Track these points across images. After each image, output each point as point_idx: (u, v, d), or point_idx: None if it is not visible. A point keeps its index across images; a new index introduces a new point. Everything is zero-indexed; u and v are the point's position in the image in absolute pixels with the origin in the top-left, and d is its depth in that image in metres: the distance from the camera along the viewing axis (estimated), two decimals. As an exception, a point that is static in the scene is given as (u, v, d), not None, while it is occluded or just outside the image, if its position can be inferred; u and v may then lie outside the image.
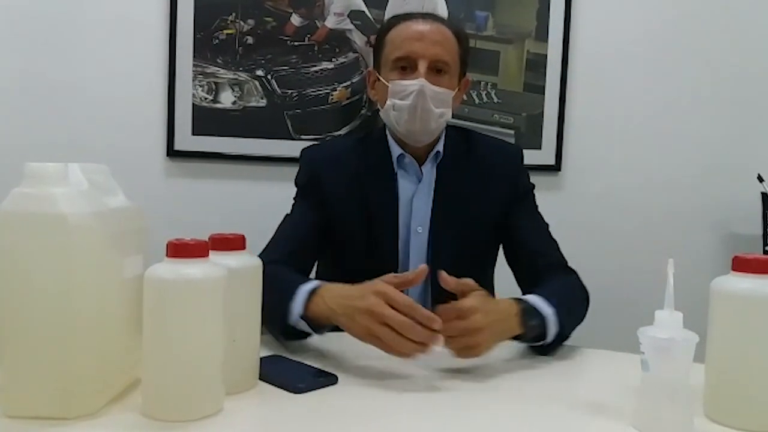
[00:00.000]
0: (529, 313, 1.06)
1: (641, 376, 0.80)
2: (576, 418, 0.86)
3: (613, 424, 0.82)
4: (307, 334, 1.09)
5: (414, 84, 1.25)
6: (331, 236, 1.33)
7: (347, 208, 1.32)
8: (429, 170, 1.35)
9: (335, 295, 1.02)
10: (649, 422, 0.79)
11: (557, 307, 1.08)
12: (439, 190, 1.33)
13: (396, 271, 1.26)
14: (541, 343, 1.09)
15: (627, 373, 0.90)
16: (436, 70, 1.27)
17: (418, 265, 1.27)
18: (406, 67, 1.28)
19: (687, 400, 0.78)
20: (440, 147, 1.35)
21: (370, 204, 1.31)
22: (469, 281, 1.03)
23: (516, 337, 1.06)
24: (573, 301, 1.19)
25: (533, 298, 1.09)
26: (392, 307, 0.93)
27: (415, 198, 1.33)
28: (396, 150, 1.34)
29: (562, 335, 1.09)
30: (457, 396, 0.93)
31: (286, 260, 1.21)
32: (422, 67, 1.25)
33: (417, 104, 1.25)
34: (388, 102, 1.28)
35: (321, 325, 1.05)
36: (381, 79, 1.32)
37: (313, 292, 1.05)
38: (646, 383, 0.79)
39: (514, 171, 1.39)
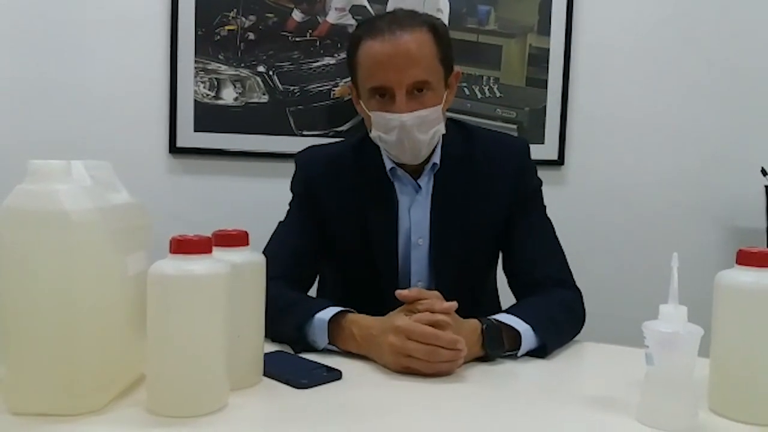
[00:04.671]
0: (492, 335, 1.04)
1: (646, 370, 0.79)
2: (580, 411, 0.86)
3: (618, 417, 0.82)
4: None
5: (394, 119, 1.17)
6: (330, 249, 1.31)
7: (344, 221, 1.28)
8: (426, 183, 1.28)
9: (363, 333, 1.03)
10: (654, 416, 0.79)
11: (536, 323, 1.07)
12: (437, 200, 1.27)
13: (396, 284, 1.26)
14: (514, 353, 1.06)
15: (631, 367, 0.90)
16: (417, 90, 1.18)
17: (419, 277, 1.28)
18: (385, 94, 1.19)
19: (691, 394, 0.78)
20: (437, 158, 1.27)
21: (368, 217, 1.27)
22: (433, 302, 1.01)
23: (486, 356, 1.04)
24: (560, 318, 1.13)
25: (504, 316, 1.08)
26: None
27: (413, 209, 1.28)
28: (389, 163, 1.27)
29: (544, 350, 1.07)
30: (461, 391, 0.93)
31: (284, 275, 1.18)
32: (400, 95, 1.16)
33: (402, 138, 1.18)
34: (373, 131, 1.22)
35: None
36: (361, 103, 1.25)
37: (334, 321, 1.05)
38: (651, 377, 0.79)
39: (518, 169, 1.30)
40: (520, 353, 1.06)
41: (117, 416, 0.78)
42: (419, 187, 1.29)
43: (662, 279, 0.82)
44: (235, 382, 0.84)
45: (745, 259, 0.81)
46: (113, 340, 0.80)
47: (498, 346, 1.04)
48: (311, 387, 0.90)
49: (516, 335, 1.05)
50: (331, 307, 1.08)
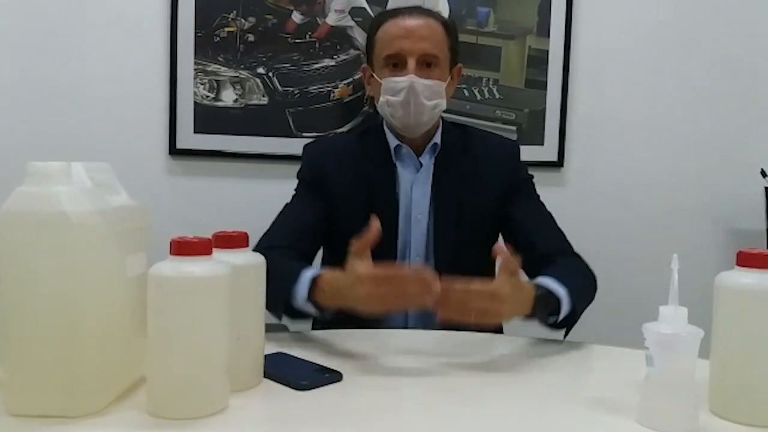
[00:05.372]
0: (543, 299, 1.07)
1: (646, 371, 0.79)
2: (580, 413, 0.86)
3: (618, 419, 0.82)
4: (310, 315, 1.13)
5: (404, 80, 1.30)
6: (334, 225, 1.35)
7: (350, 198, 1.35)
8: (427, 161, 1.38)
9: (334, 288, 1.05)
10: (654, 418, 0.78)
11: (569, 288, 1.11)
12: (437, 180, 1.37)
13: (395, 258, 1.35)
14: (553, 321, 1.11)
15: (631, 368, 0.90)
16: (425, 64, 1.32)
17: (418, 252, 1.36)
18: (397, 63, 1.33)
19: (692, 396, 0.78)
20: (437, 139, 1.39)
21: (372, 193, 1.35)
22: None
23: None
24: (583, 283, 1.21)
25: (547, 281, 1.12)
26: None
27: (414, 186, 1.37)
28: (393, 141, 1.38)
29: (574, 315, 1.12)
30: (462, 392, 0.93)
31: (288, 245, 1.24)
32: (411, 63, 1.31)
33: (409, 99, 1.30)
34: (381, 98, 1.34)
35: (325, 308, 1.09)
36: (375, 76, 1.38)
37: (314, 282, 1.07)
38: (651, 379, 0.79)
39: (510, 165, 1.41)
40: (560, 318, 1.10)
41: (117, 418, 0.78)
42: (420, 165, 1.38)
43: (662, 280, 0.82)
44: (236, 383, 0.84)
45: (746, 260, 0.81)
46: (113, 342, 0.80)
47: (543, 312, 1.08)
48: (311, 389, 0.90)
49: (556, 301, 1.09)
50: (315, 270, 1.11)
